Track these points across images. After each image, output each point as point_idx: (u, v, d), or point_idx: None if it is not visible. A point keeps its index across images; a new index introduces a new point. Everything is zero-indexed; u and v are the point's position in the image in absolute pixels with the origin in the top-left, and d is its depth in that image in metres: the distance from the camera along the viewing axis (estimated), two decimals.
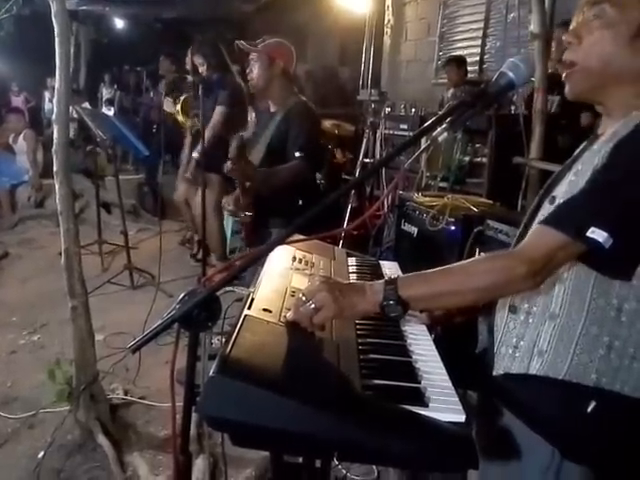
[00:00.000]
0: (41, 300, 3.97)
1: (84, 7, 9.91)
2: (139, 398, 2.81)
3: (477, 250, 2.60)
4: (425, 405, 0.98)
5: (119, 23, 12.19)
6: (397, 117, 5.31)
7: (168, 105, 5.04)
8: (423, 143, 1.20)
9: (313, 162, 2.68)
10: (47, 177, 5.81)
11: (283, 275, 1.38)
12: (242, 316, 1.07)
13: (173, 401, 1.02)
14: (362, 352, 1.14)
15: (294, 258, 1.51)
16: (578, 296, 1.09)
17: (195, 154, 4.27)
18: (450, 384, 1.07)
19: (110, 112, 8.66)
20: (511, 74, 1.09)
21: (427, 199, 3.11)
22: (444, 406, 0.98)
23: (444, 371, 1.12)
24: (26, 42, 9.17)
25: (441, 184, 4.17)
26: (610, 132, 1.09)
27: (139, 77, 9.73)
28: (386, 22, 7.36)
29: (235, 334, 0.98)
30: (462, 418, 0.96)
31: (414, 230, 3.14)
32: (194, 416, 1.02)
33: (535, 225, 1.15)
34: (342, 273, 1.59)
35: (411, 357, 1.17)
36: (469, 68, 5.70)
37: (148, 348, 1.01)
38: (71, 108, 3.41)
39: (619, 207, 1.01)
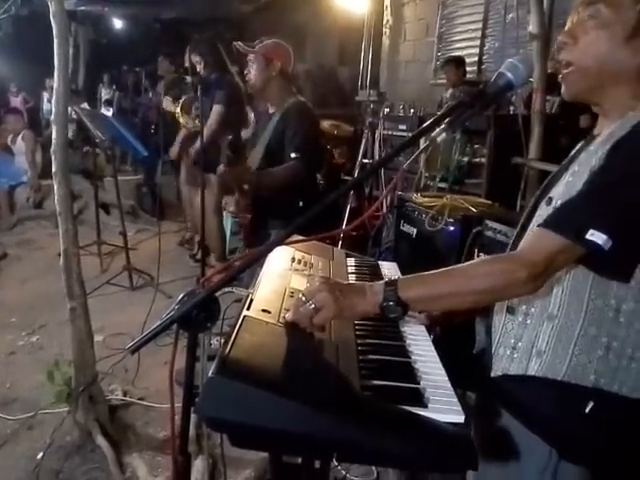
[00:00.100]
0: (40, 301, 3.97)
1: (83, 7, 9.91)
2: (138, 399, 2.81)
3: (476, 250, 2.61)
4: (424, 406, 0.98)
5: (118, 23, 12.19)
6: (396, 117, 5.32)
7: (167, 104, 5.04)
8: (422, 143, 1.20)
9: (310, 163, 2.66)
10: (46, 178, 5.80)
11: (282, 276, 1.37)
12: (241, 317, 1.06)
13: (172, 402, 1.02)
14: (361, 353, 1.14)
15: (293, 259, 1.51)
16: (576, 297, 1.09)
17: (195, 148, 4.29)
18: (449, 385, 1.07)
19: (109, 113, 8.64)
20: (510, 75, 1.09)
21: (426, 199, 3.11)
22: (443, 407, 0.98)
23: (443, 372, 1.12)
24: (24, 42, 9.16)
25: (440, 184, 4.18)
26: (607, 133, 1.09)
27: (138, 78, 9.73)
28: (385, 22, 7.37)
29: (234, 335, 0.98)
30: (461, 419, 0.96)
31: (413, 230, 3.14)
32: (193, 417, 1.02)
33: (534, 227, 1.15)
34: (341, 274, 1.59)
35: (410, 358, 1.17)
36: (468, 68, 5.72)
37: (147, 349, 1.01)
38: (70, 109, 3.42)
39: (618, 209, 1.01)
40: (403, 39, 7.39)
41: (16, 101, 11.44)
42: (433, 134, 1.09)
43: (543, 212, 1.14)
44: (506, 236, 2.41)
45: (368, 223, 4.13)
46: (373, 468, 2.29)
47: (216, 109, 4.28)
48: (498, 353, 1.20)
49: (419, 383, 1.06)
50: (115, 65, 11.44)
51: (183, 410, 1.02)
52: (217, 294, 0.98)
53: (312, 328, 1.07)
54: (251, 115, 5.32)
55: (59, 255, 2.41)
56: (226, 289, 1.04)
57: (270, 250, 1.22)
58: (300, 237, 1.34)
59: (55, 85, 2.32)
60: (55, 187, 2.37)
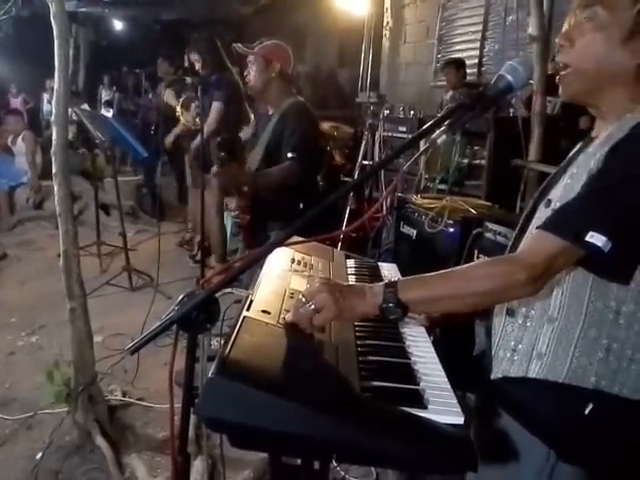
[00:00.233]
0: (40, 302, 3.97)
1: (83, 9, 9.93)
2: (137, 399, 2.81)
3: (476, 252, 2.61)
4: (424, 407, 0.98)
5: (118, 25, 12.22)
6: (396, 119, 5.32)
7: (169, 97, 5.06)
8: (422, 145, 1.20)
9: (307, 163, 2.65)
10: (46, 179, 5.80)
11: (282, 277, 1.38)
12: (241, 317, 1.06)
13: (172, 402, 1.02)
14: (361, 354, 1.14)
15: (293, 260, 1.51)
16: (576, 299, 1.09)
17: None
18: (449, 386, 1.07)
19: (109, 114, 8.67)
20: (510, 77, 1.09)
21: (426, 201, 3.11)
22: (443, 408, 0.98)
23: (443, 373, 1.12)
24: (25, 43, 9.18)
25: (440, 186, 4.18)
26: (604, 135, 1.09)
27: (138, 79, 9.74)
28: (385, 24, 7.37)
29: (234, 335, 0.98)
30: (461, 420, 0.96)
31: (413, 232, 3.14)
32: (192, 417, 1.02)
33: (533, 230, 1.15)
34: (341, 275, 1.59)
35: (410, 359, 1.17)
36: (468, 71, 5.72)
37: (147, 350, 1.02)
38: (70, 110, 3.41)
39: (617, 211, 1.01)
40: (403, 41, 7.39)
41: (16, 102, 11.45)
42: (433, 136, 1.09)
43: (542, 214, 1.14)
44: (506, 238, 2.41)
45: (368, 224, 4.13)
46: (372, 469, 2.29)
47: (215, 106, 4.28)
48: (498, 355, 1.20)
49: (419, 384, 1.06)
50: (115, 66, 11.46)
51: (182, 411, 1.02)
52: (217, 295, 0.98)
53: (312, 329, 1.07)
54: (251, 117, 5.33)
55: (59, 256, 2.41)
56: (226, 290, 1.04)
57: (270, 251, 1.22)
58: (300, 238, 1.34)
59: (55, 86, 2.32)
60: (55, 188, 2.37)
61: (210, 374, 0.86)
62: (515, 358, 1.16)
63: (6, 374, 3.05)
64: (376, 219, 4.10)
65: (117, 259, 4.83)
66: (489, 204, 3.13)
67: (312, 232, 1.22)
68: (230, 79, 4.35)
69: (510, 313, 1.19)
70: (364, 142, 5.27)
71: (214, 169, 2.65)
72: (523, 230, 1.24)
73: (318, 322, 1.06)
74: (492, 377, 1.21)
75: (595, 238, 0.98)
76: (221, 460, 2.02)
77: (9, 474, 2.28)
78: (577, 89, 1.13)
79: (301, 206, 2.65)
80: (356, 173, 5.18)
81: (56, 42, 2.27)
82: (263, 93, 2.79)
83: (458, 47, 6.57)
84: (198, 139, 3.93)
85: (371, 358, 1.14)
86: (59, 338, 3.19)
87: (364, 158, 5.24)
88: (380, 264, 1.85)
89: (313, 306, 1.05)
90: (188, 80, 4.76)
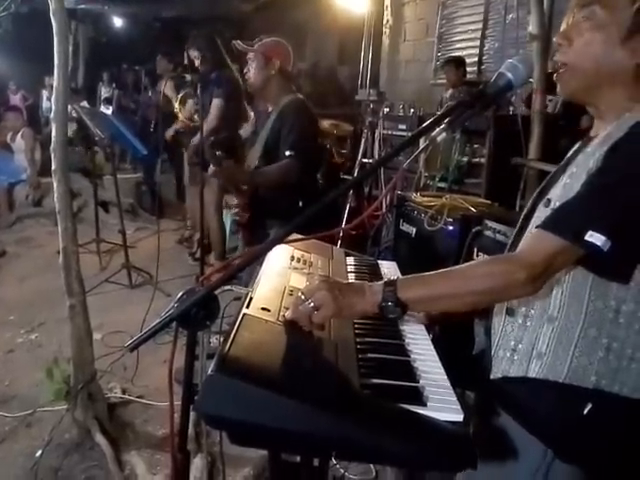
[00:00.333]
0: (39, 299, 3.97)
1: (83, 5, 9.91)
2: (137, 397, 2.81)
3: (475, 250, 2.61)
4: (423, 404, 0.98)
5: (118, 22, 12.19)
6: (395, 117, 5.32)
7: (169, 90, 5.05)
8: (422, 143, 1.20)
9: (305, 161, 2.63)
10: (45, 176, 5.81)
11: (281, 274, 1.38)
12: (240, 315, 1.06)
13: (171, 400, 1.02)
14: (360, 351, 1.14)
15: (292, 257, 1.51)
16: (576, 298, 1.09)
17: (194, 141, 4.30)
18: (448, 383, 1.07)
19: (108, 111, 8.64)
20: (510, 75, 1.09)
21: (425, 199, 3.11)
22: (442, 405, 0.98)
23: (442, 370, 1.13)
24: (24, 40, 9.16)
25: (439, 184, 4.18)
26: (603, 135, 1.09)
27: (137, 76, 9.71)
28: (385, 22, 7.37)
29: (233, 333, 0.98)
30: (460, 417, 0.96)
31: (412, 230, 3.14)
32: (192, 415, 1.02)
33: (532, 229, 1.15)
34: (340, 272, 1.59)
35: (409, 356, 1.18)
36: (468, 69, 5.72)
37: (146, 347, 1.02)
38: (69, 107, 3.41)
39: (616, 210, 1.01)
40: (403, 39, 7.38)
41: (15, 99, 11.43)
42: (433, 134, 1.10)
43: (541, 214, 1.14)
44: (505, 236, 2.41)
45: (367, 222, 4.13)
46: (372, 467, 2.29)
47: (216, 104, 4.27)
48: (498, 355, 1.20)
49: (418, 382, 1.06)
50: (115, 63, 11.43)
51: (182, 408, 1.02)
52: (216, 292, 0.98)
53: (311, 326, 1.07)
54: (251, 115, 5.33)
55: (58, 253, 2.41)
56: (225, 287, 1.04)
57: (269, 248, 1.22)
58: (299, 236, 1.34)
59: (55, 83, 2.31)
60: (54, 185, 2.37)
61: (210, 371, 0.86)
62: (515, 358, 1.16)
63: (5, 372, 3.05)
64: (376, 217, 4.10)
65: (116, 256, 4.83)
66: (489, 202, 3.12)
67: (312, 230, 1.23)
68: (230, 76, 4.34)
69: (510, 313, 1.19)
70: (364, 140, 5.27)
71: (211, 168, 2.65)
72: (522, 229, 1.24)
73: (317, 320, 1.06)
74: (492, 377, 1.21)
75: (594, 237, 0.98)
76: (221, 457, 2.02)
77: (9, 471, 2.28)
78: (575, 87, 1.13)
79: (300, 204, 2.64)
80: (356, 171, 5.18)
81: (55, 39, 2.27)
82: (263, 90, 2.78)
83: (458, 45, 6.56)
84: (197, 137, 3.93)
85: (370, 355, 1.14)
86: (58, 335, 3.19)
87: (364, 156, 5.24)
88: (380, 262, 1.86)
89: (312, 304, 1.05)
90: (188, 77, 4.76)
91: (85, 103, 7.89)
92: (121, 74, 11.19)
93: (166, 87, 5.13)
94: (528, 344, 1.14)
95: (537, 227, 1.07)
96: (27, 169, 6.44)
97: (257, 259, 1.29)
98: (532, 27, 3.51)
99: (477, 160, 4.18)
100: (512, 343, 1.17)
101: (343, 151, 5.19)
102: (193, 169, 4.75)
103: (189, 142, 4.78)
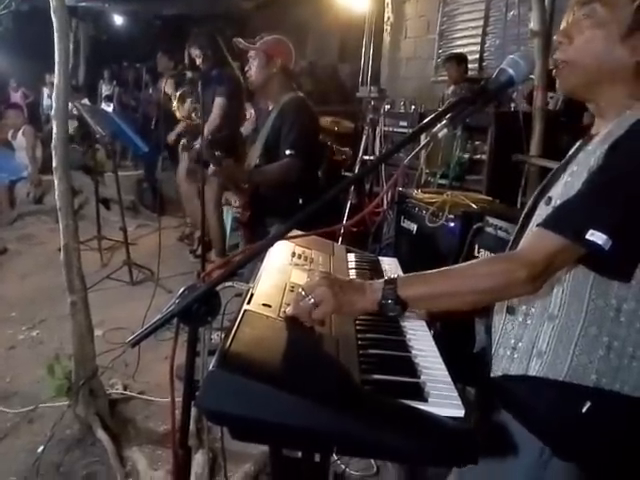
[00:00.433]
0: (40, 296, 3.97)
1: (83, 3, 9.89)
2: (138, 393, 2.81)
3: (476, 247, 2.61)
4: (424, 400, 0.98)
5: (118, 20, 12.16)
6: (397, 114, 5.32)
7: (169, 87, 5.05)
8: (423, 140, 1.20)
9: (306, 159, 2.63)
10: (46, 173, 5.80)
11: (282, 270, 1.38)
12: (242, 311, 1.06)
13: (172, 396, 1.02)
14: (361, 347, 1.14)
15: (293, 254, 1.51)
16: (577, 297, 1.08)
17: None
18: (449, 379, 1.07)
19: (109, 108, 8.65)
20: (511, 71, 1.09)
21: (426, 196, 3.11)
22: (443, 401, 0.98)
23: (443, 366, 1.13)
24: (25, 38, 9.16)
25: (440, 181, 4.18)
26: (604, 132, 1.09)
27: (138, 73, 9.70)
28: (386, 19, 7.36)
29: (235, 329, 0.98)
30: (461, 413, 0.96)
31: (413, 227, 3.14)
32: (193, 411, 1.02)
33: (533, 227, 1.15)
34: (341, 269, 1.59)
35: (410, 352, 1.18)
36: (469, 66, 5.71)
37: (147, 343, 1.02)
38: (70, 104, 3.41)
39: (617, 209, 1.01)
40: (404, 36, 7.38)
41: (16, 96, 11.42)
42: (434, 130, 1.09)
43: (542, 212, 1.14)
44: (506, 232, 2.41)
45: (368, 219, 4.13)
46: (373, 462, 2.29)
47: (218, 102, 4.27)
48: (498, 353, 1.20)
49: (419, 377, 1.06)
50: (115, 61, 11.43)
51: (183, 404, 1.02)
52: (218, 288, 0.98)
53: (311, 322, 1.07)
54: (251, 111, 5.33)
55: (59, 250, 2.41)
56: (227, 283, 1.04)
57: (270, 245, 1.22)
58: (300, 232, 1.34)
59: (55, 81, 2.31)
60: (55, 182, 2.37)
61: (211, 367, 0.86)
62: (515, 356, 1.16)
63: (7, 368, 3.06)
64: (377, 214, 4.10)
65: (118, 253, 4.84)
66: (490, 199, 3.13)
67: (313, 226, 1.22)
68: (231, 74, 4.34)
69: (510, 311, 1.19)
70: (365, 137, 5.27)
71: (211, 168, 2.64)
72: (523, 228, 1.24)
73: (317, 316, 1.06)
74: (492, 375, 1.21)
75: (596, 236, 0.98)
76: (222, 453, 2.03)
77: (10, 467, 2.28)
78: (575, 83, 1.13)
79: (301, 202, 2.64)
80: (357, 168, 5.18)
81: (56, 36, 2.27)
82: (264, 89, 2.77)
83: (459, 42, 6.56)
84: (199, 140, 3.93)
85: (371, 351, 1.14)
86: (60, 332, 3.20)
87: (365, 153, 5.23)
88: (381, 258, 1.86)
89: (312, 300, 1.05)
90: (189, 75, 4.76)
91: (86, 100, 7.90)
92: (122, 72, 11.18)
93: (167, 85, 5.13)
94: (528, 342, 1.14)
95: (538, 225, 1.07)
96: (28, 166, 6.44)
97: (258, 255, 1.29)
98: (533, 24, 3.51)
99: (478, 157, 4.19)
100: (512, 341, 1.17)
101: (344, 148, 5.19)
102: (194, 166, 4.75)
103: (190, 142, 4.77)
